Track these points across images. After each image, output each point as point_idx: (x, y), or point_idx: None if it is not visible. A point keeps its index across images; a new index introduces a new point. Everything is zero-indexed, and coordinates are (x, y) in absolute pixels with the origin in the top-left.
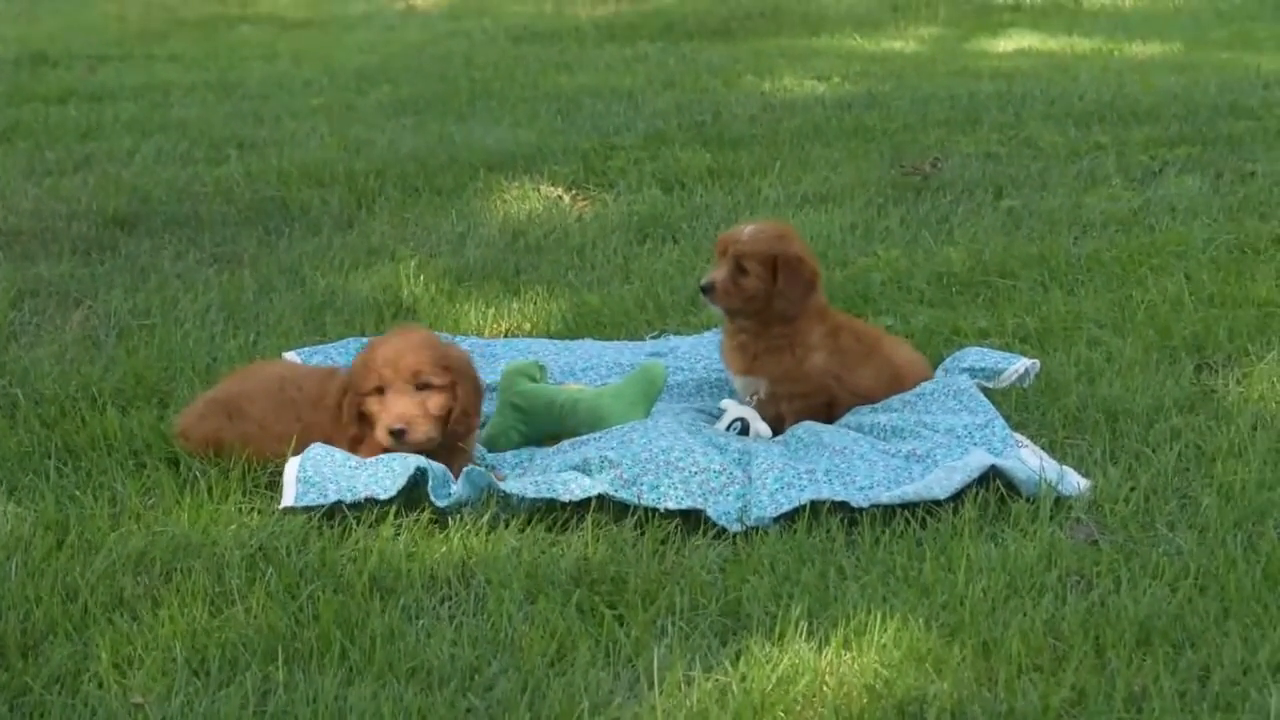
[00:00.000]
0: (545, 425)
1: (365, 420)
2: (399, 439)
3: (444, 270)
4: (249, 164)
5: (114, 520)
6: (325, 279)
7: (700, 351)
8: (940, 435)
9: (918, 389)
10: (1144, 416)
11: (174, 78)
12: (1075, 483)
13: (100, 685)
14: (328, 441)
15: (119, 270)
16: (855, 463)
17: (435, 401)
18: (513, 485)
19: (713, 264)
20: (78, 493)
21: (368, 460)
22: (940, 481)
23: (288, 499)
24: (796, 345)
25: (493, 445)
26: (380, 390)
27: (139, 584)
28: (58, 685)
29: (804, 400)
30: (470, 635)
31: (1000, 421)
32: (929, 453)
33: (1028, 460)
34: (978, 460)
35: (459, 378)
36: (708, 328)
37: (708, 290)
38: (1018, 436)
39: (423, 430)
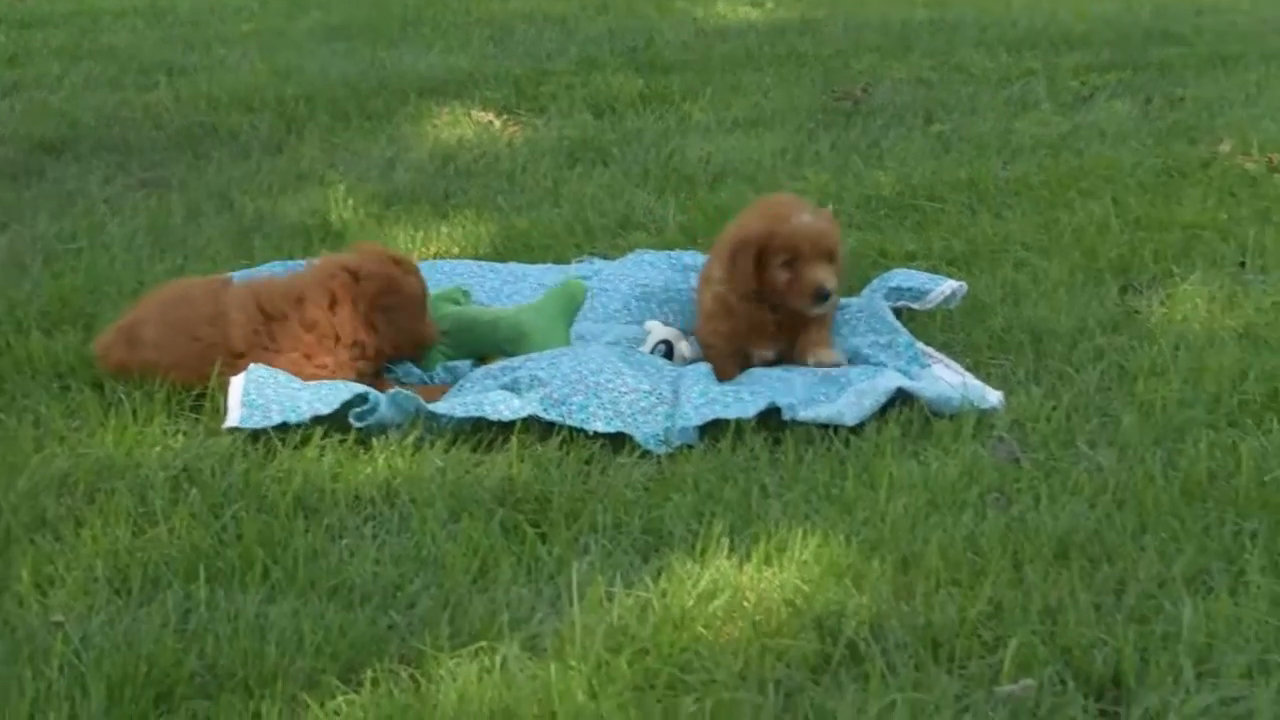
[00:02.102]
0: (470, 347)
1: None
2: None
3: (373, 194)
4: (178, 89)
5: (37, 442)
6: (254, 203)
7: (624, 272)
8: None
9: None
10: (1068, 337)
11: (104, 4)
12: (991, 398)
13: (20, 604)
14: (232, 358)
15: (45, 195)
16: (774, 384)
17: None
18: (441, 406)
19: (798, 266)
20: (1, 415)
21: (308, 382)
22: (851, 407)
23: (232, 420)
24: None
25: (420, 368)
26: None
27: (61, 505)
28: None
29: None
30: (393, 553)
31: (906, 338)
32: (843, 372)
33: (942, 376)
34: (885, 383)
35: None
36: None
37: (828, 296)
38: (929, 351)
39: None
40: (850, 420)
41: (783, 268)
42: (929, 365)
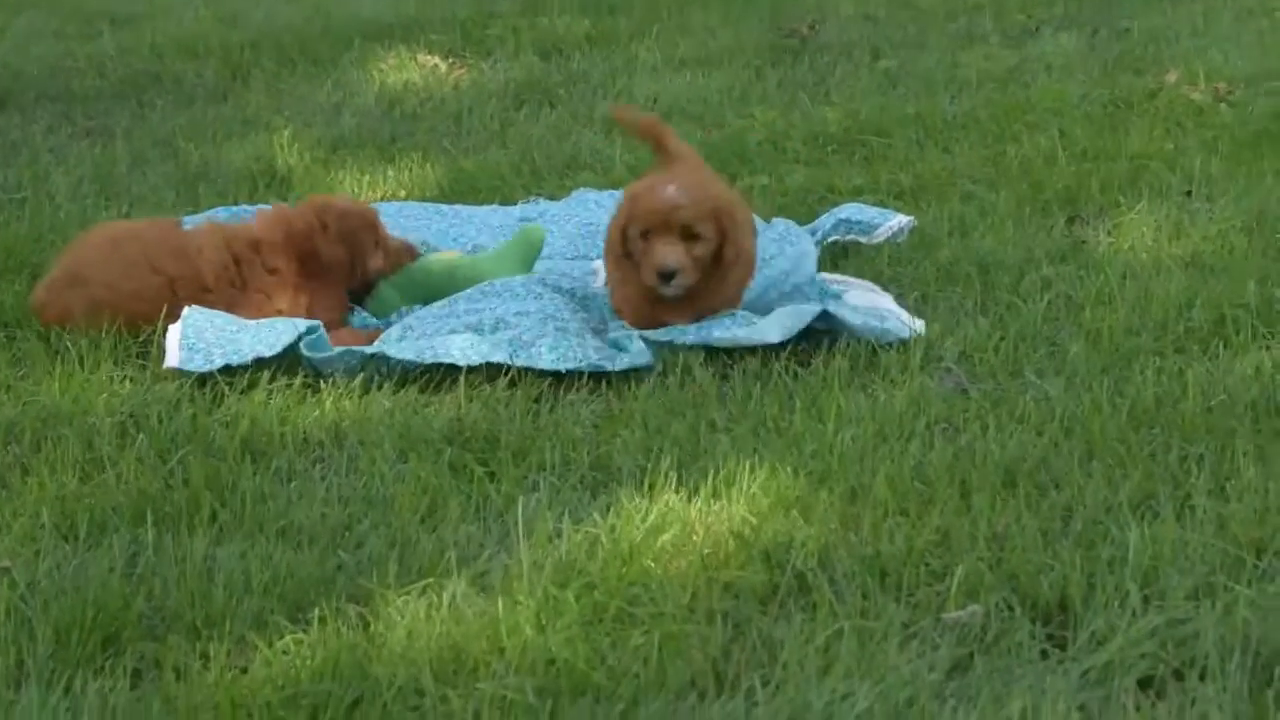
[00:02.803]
0: (425, 295)
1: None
2: None
3: (318, 139)
4: (121, 39)
5: None
6: (199, 150)
7: (570, 212)
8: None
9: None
10: (1015, 268)
11: None
12: (910, 325)
13: None
14: (200, 292)
15: None
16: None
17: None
18: (397, 349)
19: (650, 240)
20: None
21: (248, 322)
22: (773, 326)
23: (171, 361)
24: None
25: (375, 317)
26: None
27: (8, 453)
28: None
29: None
30: (342, 495)
31: (810, 264)
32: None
33: (858, 303)
34: (809, 307)
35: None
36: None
37: (672, 275)
38: (838, 279)
39: None
40: (774, 338)
41: (640, 239)
42: (841, 294)
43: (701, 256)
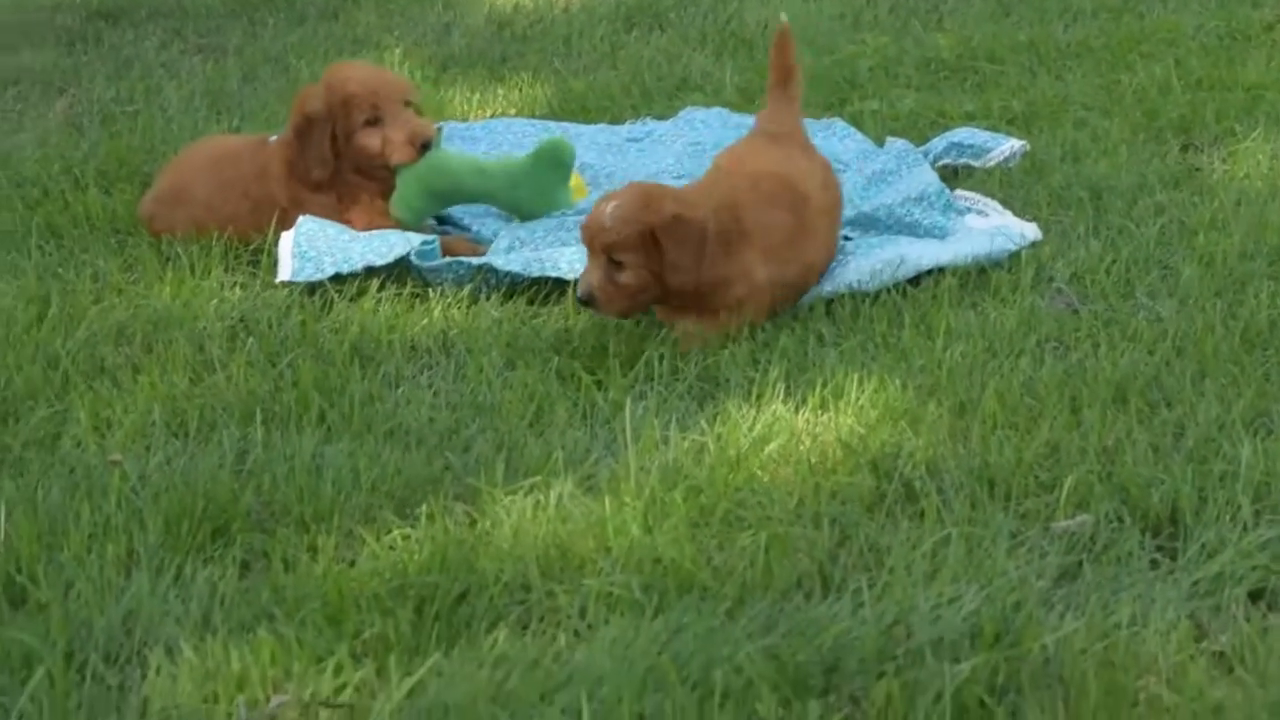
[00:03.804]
0: (448, 189)
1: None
2: None
3: (429, 57)
4: None
5: (96, 295)
6: (310, 67)
7: (678, 131)
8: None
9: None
10: (1128, 193)
11: None
12: (1029, 233)
13: (79, 445)
14: (280, 212)
15: (103, 60)
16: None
17: None
18: (505, 260)
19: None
20: (60, 270)
21: (360, 233)
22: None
23: (284, 274)
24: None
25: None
26: None
27: (120, 354)
28: (37, 445)
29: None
30: (449, 400)
31: (936, 185)
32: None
33: (974, 225)
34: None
35: None
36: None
37: (589, 302)
38: (964, 195)
39: None
40: (872, 287)
41: None
42: (965, 212)
43: (630, 284)
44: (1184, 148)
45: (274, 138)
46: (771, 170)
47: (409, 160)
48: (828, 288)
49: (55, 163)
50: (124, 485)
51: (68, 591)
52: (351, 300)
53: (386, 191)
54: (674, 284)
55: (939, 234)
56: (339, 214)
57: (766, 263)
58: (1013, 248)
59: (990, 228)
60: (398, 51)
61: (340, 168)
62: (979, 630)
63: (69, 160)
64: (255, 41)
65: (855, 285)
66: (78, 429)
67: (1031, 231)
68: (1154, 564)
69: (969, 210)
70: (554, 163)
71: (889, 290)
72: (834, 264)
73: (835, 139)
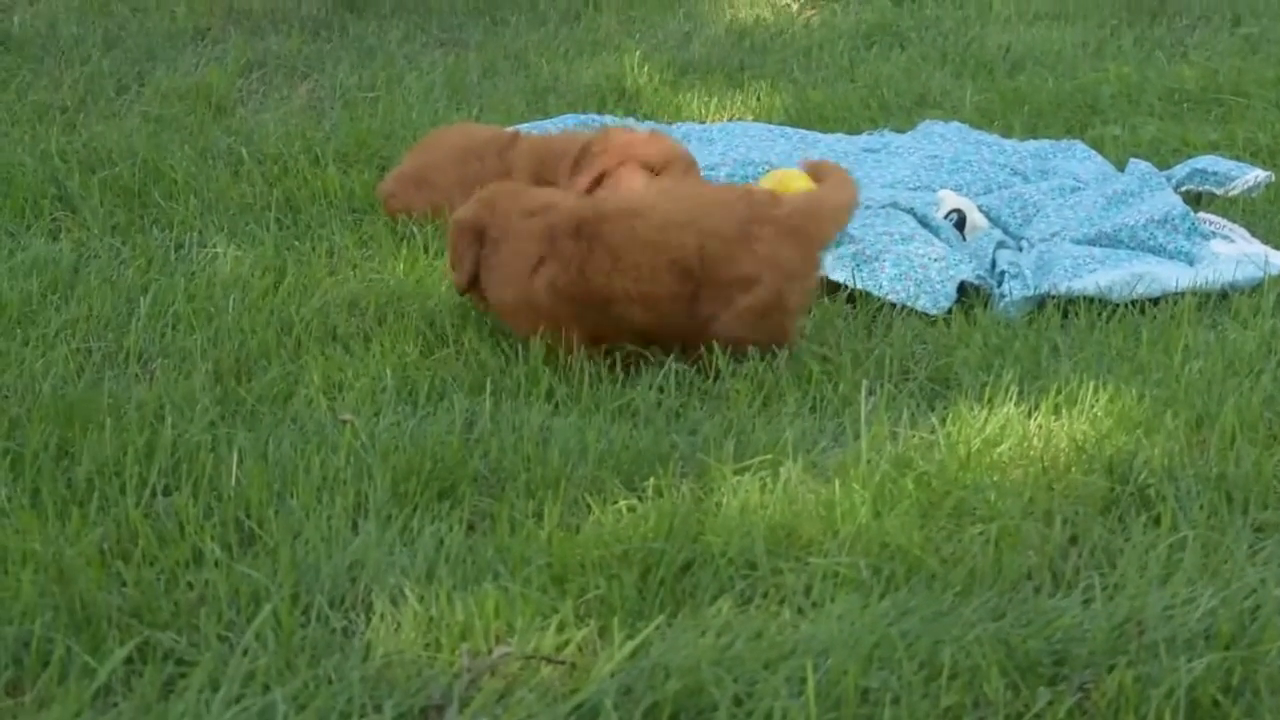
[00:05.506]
0: None
1: None
2: None
3: (668, 62)
4: None
5: (330, 267)
6: (549, 65)
7: (915, 144)
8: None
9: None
10: None
11: None
12: (1275, 260)
13: (310, 403)
14: None
15: (346, 48)
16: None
17: None
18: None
19: None
20: (296, 242)
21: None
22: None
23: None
24: None
25: None
26: None
27: (352, 323)
28: (270, 401)
29: None
30: (676, 384)
31: (1181, 209)
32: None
33: (1221, 251)
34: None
35: None
36: None
37: None
38: (1208, 218)
39: None
40: (1116, 297)
41: None
42: (1210, 237)
43: None
44: None
45: (520, 129)
46: None
47: None
48: (1076, 285)
49: (296, 141)
50: (354, 442)
51: (296, 537)
52: None
53: None
54: None
55: (1184, 258)
56: None
57: None
58: (1260, 275)
59: (1237, 254)
60: (637, 55)
61: None
62: (1215, 630)
63: (310, 140)
64: (496, 39)
65: (1101, 289)
66: (309, 389)
67: (1279, 259)
68: None
69: (1214, 235)
70: None
71: (1127, 306)
72: (1083, 267)
73: (1075, 160)
